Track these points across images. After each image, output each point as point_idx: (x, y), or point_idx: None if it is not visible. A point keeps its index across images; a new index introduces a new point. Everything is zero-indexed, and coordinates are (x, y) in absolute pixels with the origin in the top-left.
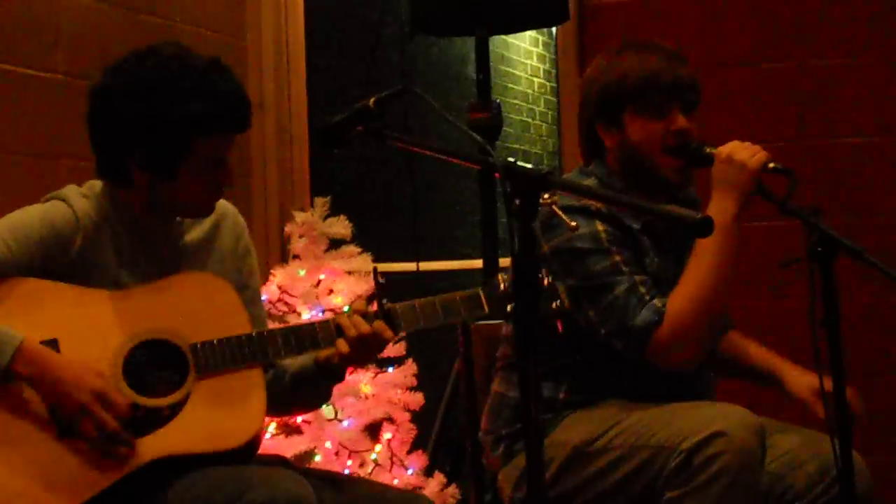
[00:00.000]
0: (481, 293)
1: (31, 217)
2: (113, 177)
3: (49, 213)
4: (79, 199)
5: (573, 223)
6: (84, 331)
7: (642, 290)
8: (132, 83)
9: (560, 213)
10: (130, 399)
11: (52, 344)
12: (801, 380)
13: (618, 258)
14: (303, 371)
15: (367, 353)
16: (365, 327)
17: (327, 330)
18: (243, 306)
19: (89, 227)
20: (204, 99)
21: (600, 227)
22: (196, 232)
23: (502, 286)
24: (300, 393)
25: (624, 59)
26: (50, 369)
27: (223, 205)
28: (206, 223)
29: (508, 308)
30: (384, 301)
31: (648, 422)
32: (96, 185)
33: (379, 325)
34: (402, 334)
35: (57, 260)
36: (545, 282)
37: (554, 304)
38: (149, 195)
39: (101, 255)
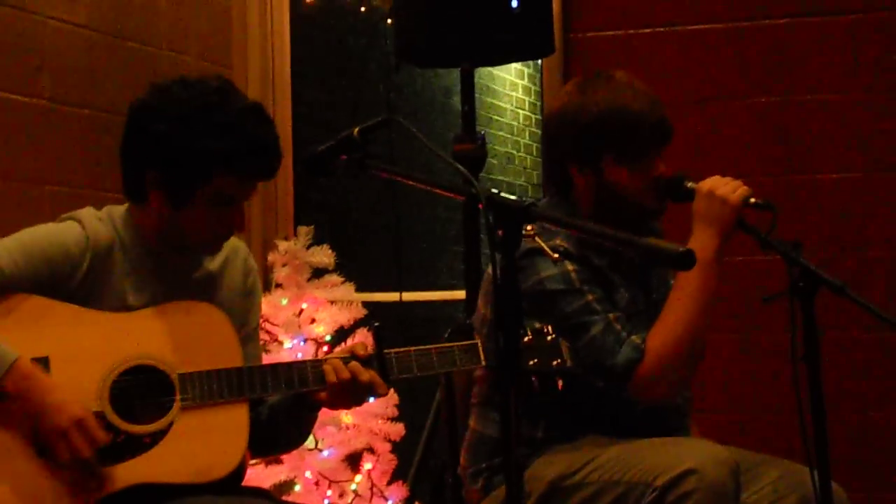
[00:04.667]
0: (479, 345)
1: (43, 235)
2: (130, 188)
3: (61, 234)
4: (93, 221)
5: (556, 255)
6: (76, 351)
7: (618, 327)
8: (170, 103)
9: (543, 244)
10: (114, 425)
11: (43, 362)
12: None
13: (590, 297)
14: (281, 403)
15: (355, 399)
16: (352, 374)
17: (318, 371)
18: (237, 340)
19: (100, 250)
20: (234, 138)
21: (570, 266)
22: (208, 265)
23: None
24: (278, 426)
25: (600, 99)
26: (38, 390)
27: (235, 242)
28: (218, 258)
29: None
30: (381, 350)
31: (623, 457)
32: (115, 209)
33: (372, 374)
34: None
35: (64, 280)
36: (549, 338)
37: (555, 362)
38: (160, 219)
39: (110, 278)
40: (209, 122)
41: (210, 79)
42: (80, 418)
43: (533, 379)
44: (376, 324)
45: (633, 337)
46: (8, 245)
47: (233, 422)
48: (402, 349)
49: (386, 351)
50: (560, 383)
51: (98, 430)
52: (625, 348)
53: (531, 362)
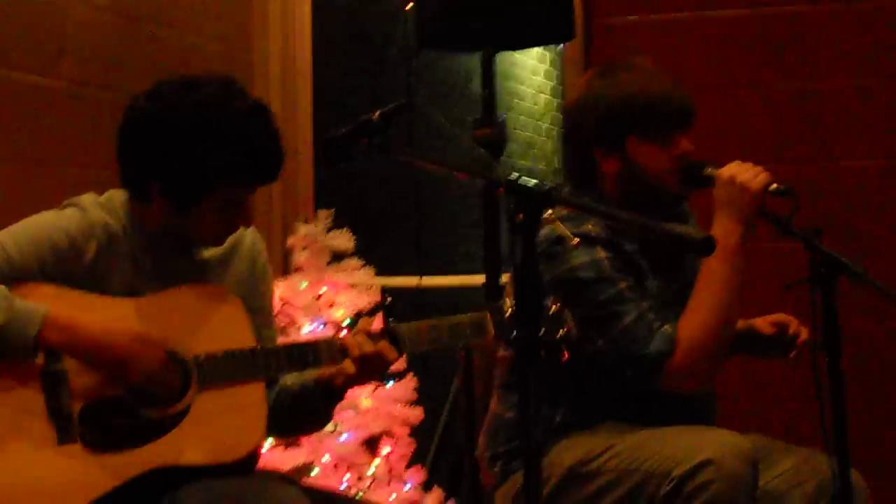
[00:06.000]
0: (488, 317)
1: (46, 223)
2: (132, 191)
3: (64, 221)
4: (95, 208)
5: (575, 240)
6: None
7: (650, 316)
8: (168, 116)
9: (564, 228)
10: (135, 410)
11: (56, 349)
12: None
13: (622, 285)
14: (303, 391)
15: (370, 373)
16: (369, 347)
17: (331, 348)
18: (248, 320)
19: (103, 237)
20: (236, 150)
21: (602, 254)
22: (214, 249)
23: (509, 310)
24: (302, 414)
25: (622, 81)
26: (81, 328)
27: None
28: (226, 242)
29: (514, 333)
30: (390, 321)
31: (641, 446)
32: (116, 195)
33: (383, 345)
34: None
35: (69, 268)
36: (552, 308)
37: (561, 332)
38: (163, 217)
39: (115, 264)
40: (209, 134)
41: (210, 81)
42: (136, 332)
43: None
44: (388, 298)
45: (666, 327)
46: (14, 233)
47: (250, 401)
48: (411, 323)
49: (396, 325)
50: (566, 353)
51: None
52: (657, 339)
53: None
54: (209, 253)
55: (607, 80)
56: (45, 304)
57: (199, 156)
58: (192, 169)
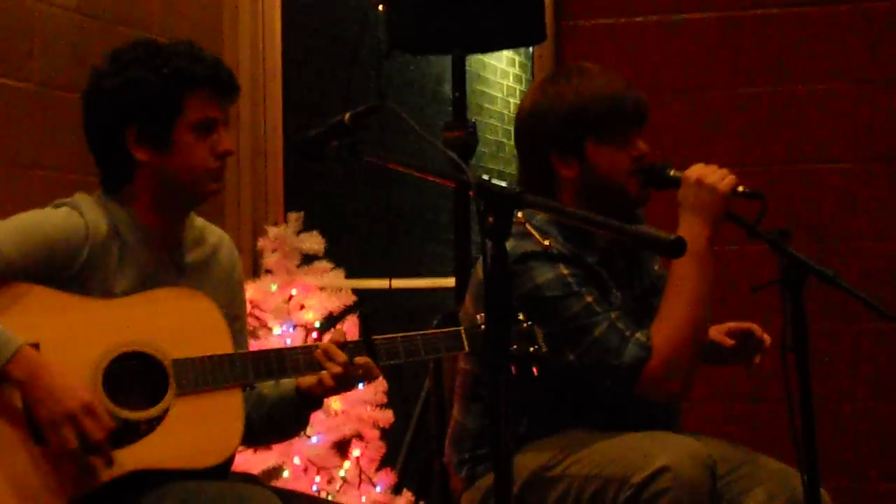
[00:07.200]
0: (462, 331)
1: (44, 222)
2: (116, 176)
3: (61, 221)
4: (91, 209)
5: (546, 241)
6: (67, 338)
7: (621, 325)
8: (115, 63)
9: (533, 230)
10: (111, 412)
11: (33, 348)
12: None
13: (589, 299)
14: (282, 400)
15: (347, 384)
16: (345, 361)
17: (310, 357)
18: (226, 325)
19: (98, 240)
20: (181, 57)
21: (565, 270)
22: (197, 253)
23: (482, 325)
24: (279, 421)
25: (577, 85)
26: (44, 374)
27: (220, 233)
28: (207, 247)
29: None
30: (371, 336)
31: (601, 452)
32: (106, 194)
33: (363, 360)
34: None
35: (61, 268)
36: (524, 325)
37: (532, 348)
38: (155, 180)
39: (104, 268)
40: (154, 58)
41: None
42: (89, 402)
43: (511, 365)
44: (364, 311)
45: (638, 335)
46: (9, 230)
47: (228, 407)
48: (388, 335)
49: (373, 338)
50: (535, 370)
51: (106, 416)
52: (631, 347)
53: (511, 348)
54: (192, 257)
55: (562, 85)
56: (21, 339)
57: (152, 74)
58: (151, 90)
